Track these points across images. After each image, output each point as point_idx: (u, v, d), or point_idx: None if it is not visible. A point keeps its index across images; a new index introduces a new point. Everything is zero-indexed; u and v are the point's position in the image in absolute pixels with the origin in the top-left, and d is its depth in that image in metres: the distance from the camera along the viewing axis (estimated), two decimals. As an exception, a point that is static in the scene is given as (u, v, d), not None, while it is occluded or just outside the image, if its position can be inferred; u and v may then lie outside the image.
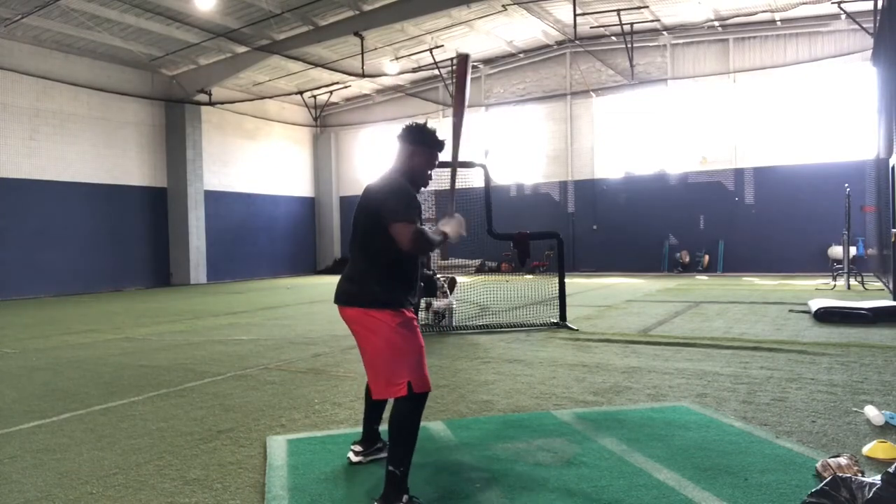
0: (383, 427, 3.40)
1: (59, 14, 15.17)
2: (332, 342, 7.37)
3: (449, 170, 3.20)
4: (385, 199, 2.84)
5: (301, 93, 22.86)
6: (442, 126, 24.10)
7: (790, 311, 9.29)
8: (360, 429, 3.82)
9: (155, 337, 8.38)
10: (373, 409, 3.36)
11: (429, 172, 3.07)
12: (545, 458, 3.34)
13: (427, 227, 2.90)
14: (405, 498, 2.70)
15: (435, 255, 9.36)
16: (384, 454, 3.23)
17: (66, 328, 9.55)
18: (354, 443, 3.42)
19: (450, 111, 22.58)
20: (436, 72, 20.91)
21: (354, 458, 3.34)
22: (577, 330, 7.92)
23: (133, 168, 19.08)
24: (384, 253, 2.88)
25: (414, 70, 21.13)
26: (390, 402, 3.35)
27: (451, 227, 2.97)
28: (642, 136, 20.14)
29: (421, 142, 3.02)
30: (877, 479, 2.43)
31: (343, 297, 2.97)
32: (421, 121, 3.20)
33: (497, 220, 8.50)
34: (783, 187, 18.04)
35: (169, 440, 3.82)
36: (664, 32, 19.10)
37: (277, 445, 3.64)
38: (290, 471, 3.24)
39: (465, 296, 10.28)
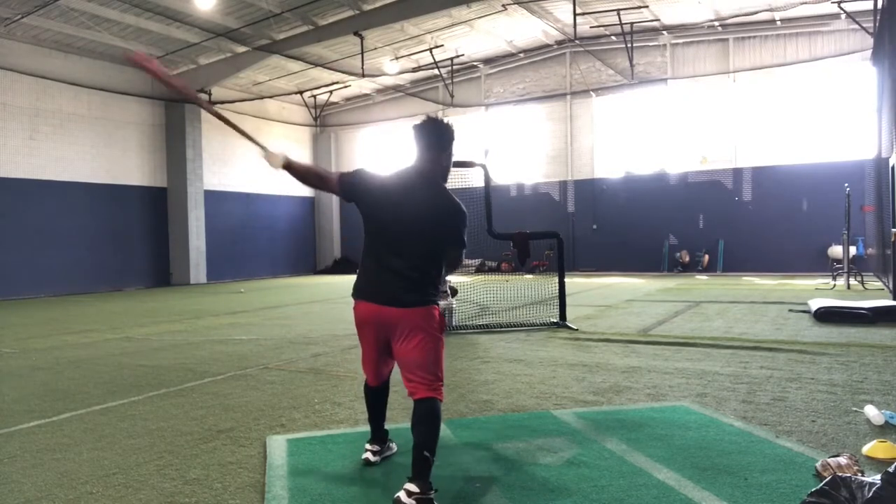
0: (387, 426, 3.44)
1: (59, 14, 15.16)
2: (332, 342, 7.37)
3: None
4: (460, 223, 3.02)
5: (301, 92, 22.86)
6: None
7: (790, 310, 9.29)
8: (360, 428, 3.84)
9: (155, 337, 8.38)
10: (380, 409, 3.31)
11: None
12: (545, 458, 3.34)
13: None
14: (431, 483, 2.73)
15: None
16: (392, 452, 3.38)
17: (66, 328, 9.55)
18: (370, 442, 3.35)
19: (450, 111, 22.73)
20: (436, 71, 20.92)
21: (373, 458, 3.28)
22: (577, 330, 7.92)
23: (133, 168, 19.08)
24: (441, 260, 3.08)
25: (414, 70, 21.14)
26: (388, 400, 3.36)
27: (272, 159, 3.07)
28: (642, 135, 20.15)
29: (451, 142, 3.12)
30: (876, 478, 2.43)
31: (396, 299, 2.93)
32: (429, 117, 3.16)
33: (497, 219, 8.50)
34: (783, 187, 18.04)
35: (169, 440, 3.82)
36: (664, 32, 19.10)
37: (277, 445, 3.64)
38: (290, 470, 3.24)
39: (465, 296, 10.27)
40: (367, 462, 3.26)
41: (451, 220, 2.99)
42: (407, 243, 2.96)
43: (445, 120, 3.14)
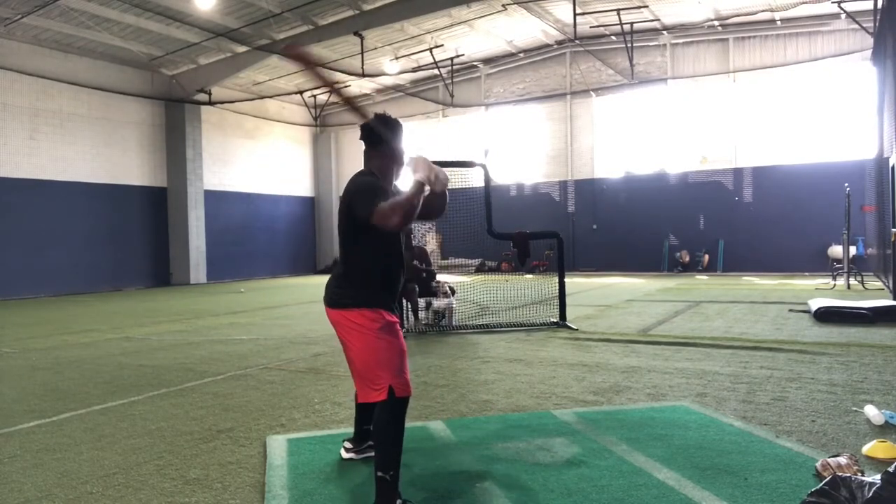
0: None
1: (59, 14, 15.16)
2: (332, 342, 7.36)
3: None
4: (352, 198, 2.79)
5: (301, 92, 22.86)
6: (442, 126, 24.19)
7: (790, 310, 9.29)
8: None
9: (155, 337, 8.38)
10: (362, 410, 3.34)
11: (394, 169, 2.99)
12: (545, 458, 3.34)
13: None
14: (398, 502, 2.69)
15: (435, 258, 9.36)
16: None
17: (66, 328, 9.55)
18: (346, 440, 3.48)
19: (450, 111, 22.72)
20: (436, 71, 20.91)
21: (345, 455, 3.40)
22: (577, 329, 7.92)
23: (133, 168, 19.08)
24: (360, 253, 2.88)
25: (414, 70, 21.13)
26: None
27: (419, 168, 2.66)
28: (642, 135, 20.14)
29: (375, 142, 2.96)
30: (876, 478, 2.43)
31: (327, 298, 2.97)
32: (404, 118, 3.14)
33: (497, 219, 8.50)
34: (783, 187, 18.04)
35: (169, 440, 3.82)
36: (664, 32, 19.09)
37: (277, 445, 3.65)
38: (290, 470, 3.25)
39: (465, 296, 10.27)
40: (341, 457, 3.40)
41: (345, 203, 2.82)
42: (339, 242, 2.99)
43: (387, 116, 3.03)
